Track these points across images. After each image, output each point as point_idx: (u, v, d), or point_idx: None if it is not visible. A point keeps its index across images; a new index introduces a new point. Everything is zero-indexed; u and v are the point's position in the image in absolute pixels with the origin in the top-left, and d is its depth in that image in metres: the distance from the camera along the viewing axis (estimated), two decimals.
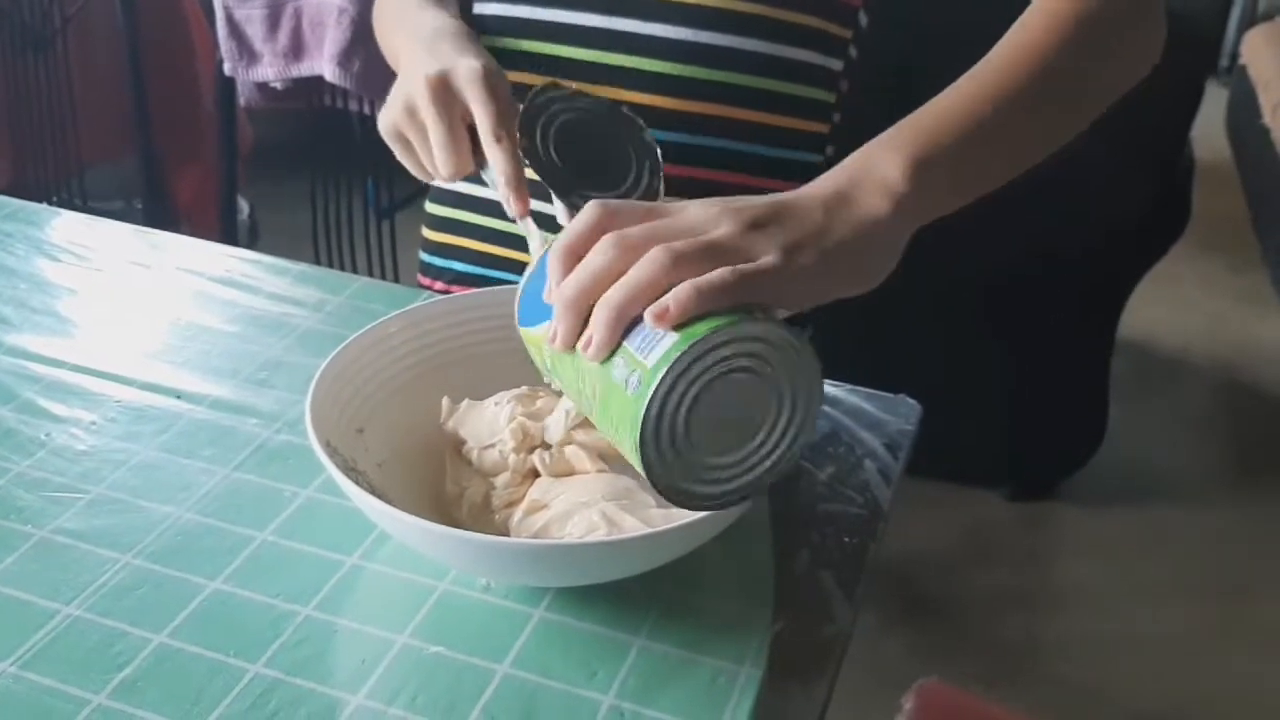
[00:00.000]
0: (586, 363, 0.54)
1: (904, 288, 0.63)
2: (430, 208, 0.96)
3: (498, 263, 0.92)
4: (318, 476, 0.69)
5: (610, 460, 0.64)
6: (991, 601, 1.75)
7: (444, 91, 0.70)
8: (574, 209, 0.62)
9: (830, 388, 0.78)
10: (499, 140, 0.68)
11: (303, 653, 0.58)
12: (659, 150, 0.70)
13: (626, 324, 0.52)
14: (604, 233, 0.55)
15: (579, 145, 0.66)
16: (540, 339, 0.57)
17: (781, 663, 0.59)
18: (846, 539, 0.66)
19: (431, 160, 0.71)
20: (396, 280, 1.72)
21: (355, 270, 1.75)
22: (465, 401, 0.67)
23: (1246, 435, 2.17)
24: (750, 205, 0.57)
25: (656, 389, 0.50)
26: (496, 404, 0.66)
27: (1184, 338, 2.40)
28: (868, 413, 0.77)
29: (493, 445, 0.65)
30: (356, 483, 0.58)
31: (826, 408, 0.76)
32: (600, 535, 0.60)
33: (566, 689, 0.57)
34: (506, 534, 0.63)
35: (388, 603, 0.61)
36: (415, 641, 0.59)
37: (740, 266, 0.53)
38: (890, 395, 0.78)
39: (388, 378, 0.68)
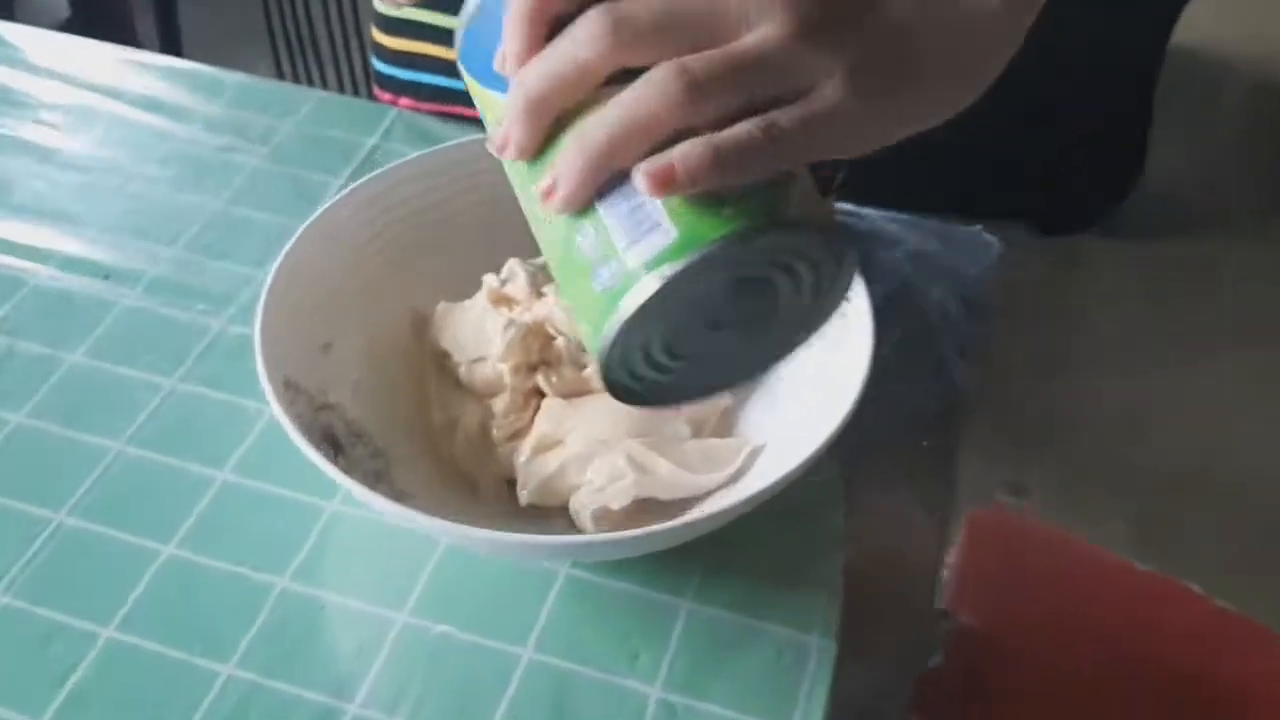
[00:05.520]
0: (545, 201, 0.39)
1: None
2: (379, 5, 0.78)
3: None
4: None
5: None
6: (1026, 360, 1.66)
7: None
8: None
9: (893, 225, 0.65)
10: None
11: (283, 644, 0.48)
12: None
13: (608, 173, 0.37)
14: None
15: None
16: (493, 108, 0.41)
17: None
18: (924, 443, 0.55)
19: None
20: (367, 75, 1.47)
21: (319, 60, 1.47)
22: (441, 304, 0.55)
23: None
24: None
25: (637, 306, 0.36)
26: (484, 303, 0.54)
27: (1233, 46, 2.20)
28: (936, 259, 0.64)
29: (484, 358, 0.53)
30: (334, 435, 0.47)
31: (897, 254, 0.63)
32: (628, 483, 0.49)
33: (605, 679, 0.47)
34: (510, 472, 0.51)
35: (382, 565, 0.51)
36: (417, 620, 0.49)
37: (780, 120, 0.36)
38: (963, 229, 0.65)
39: (350, 273, 0.55)
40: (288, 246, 0.53)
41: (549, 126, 0.37)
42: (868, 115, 0.38)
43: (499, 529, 0.49)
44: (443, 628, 0.49)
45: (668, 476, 0.49)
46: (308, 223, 0.54)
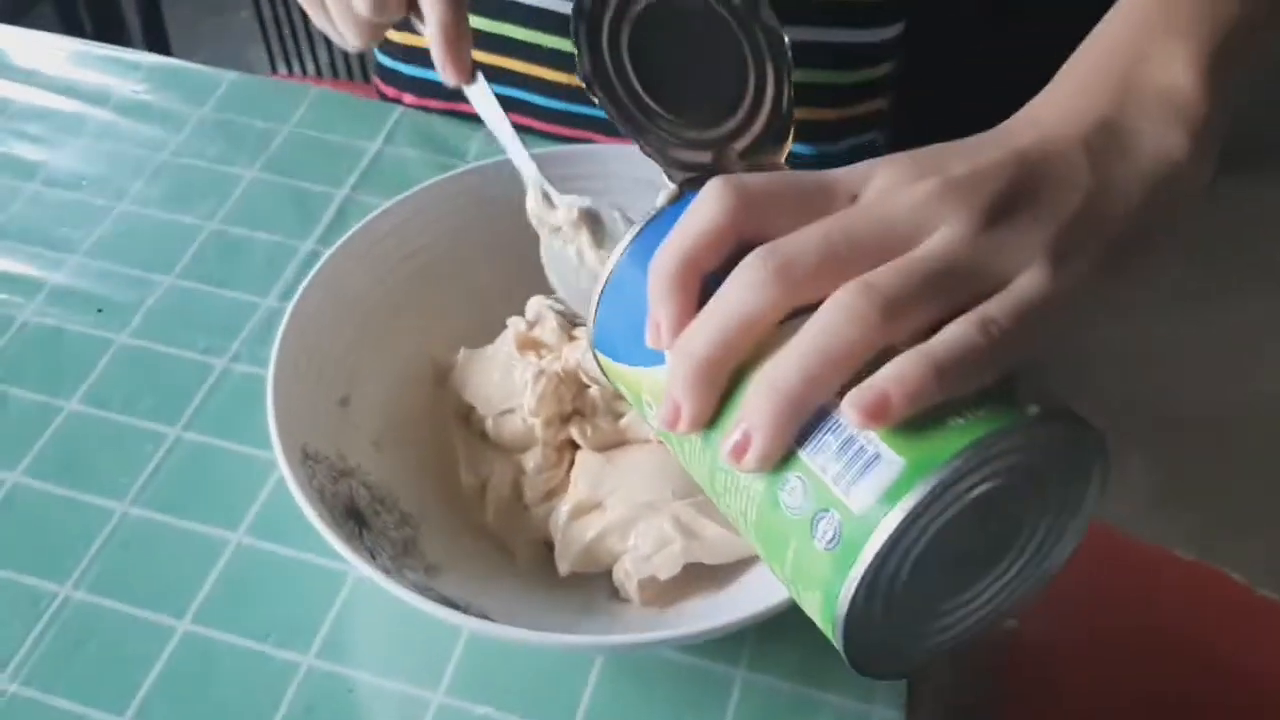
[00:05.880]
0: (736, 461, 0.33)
1: None
2: None
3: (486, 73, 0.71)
4: None
5: None
6: None
7: None
8: (670, 165, 0.40)
9: None
10: None
11: None
12: (788, 43, 0.43)
13: (806, 417, 0.32)
14: (738, 234, 0.34)
15: (665, 46, 0.41)
16: (643, 385, 0.36)
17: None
18: None
19: (349, 14, 0.49)
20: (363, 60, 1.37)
21: (314, 50, 1.38)
22: (463, 351, 0.51)
23: None
24: (977, 174, 0.34)
25: (873, 556, 0.30)
26: (509, 350, 0.50)
27: None
28: None
29: (511, 411, 0.49)
30: (357, 508, 0.44)
31: None
32: (676, 550, 0.45)
33: None
34: (546, 535, 0.48)
35: (413, 637, 0.48)
36: (454, 700, 0.46)
37: (996, 315, 0.32)
38: None
39: (366, 318, 0.51)
40: (297, 295, 0.49)
41: (724, 388, 0.33)
42: (1080, 290, 0.34)
43: (537, 602, 0.46)
44: (483, 710, 0.46)
45: (716, 540, 0.46)
46: (317, 266, 0.50)
